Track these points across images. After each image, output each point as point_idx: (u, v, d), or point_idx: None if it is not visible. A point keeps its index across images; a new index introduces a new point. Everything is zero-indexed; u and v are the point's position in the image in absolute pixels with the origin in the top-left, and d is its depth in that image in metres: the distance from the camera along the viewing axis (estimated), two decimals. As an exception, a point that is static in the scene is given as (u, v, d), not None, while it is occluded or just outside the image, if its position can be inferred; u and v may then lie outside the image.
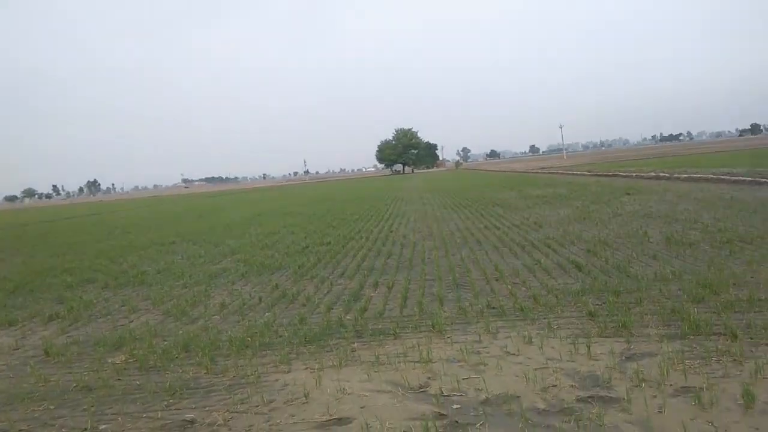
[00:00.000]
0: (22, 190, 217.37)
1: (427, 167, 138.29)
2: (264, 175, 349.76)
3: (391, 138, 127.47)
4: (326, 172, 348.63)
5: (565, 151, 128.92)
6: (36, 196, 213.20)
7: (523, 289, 6.69)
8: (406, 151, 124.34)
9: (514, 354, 4.57)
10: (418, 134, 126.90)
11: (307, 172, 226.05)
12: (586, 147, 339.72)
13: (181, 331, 6.20)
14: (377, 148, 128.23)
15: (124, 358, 5.41)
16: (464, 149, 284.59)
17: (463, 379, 4.14)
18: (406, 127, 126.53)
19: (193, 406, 4.15)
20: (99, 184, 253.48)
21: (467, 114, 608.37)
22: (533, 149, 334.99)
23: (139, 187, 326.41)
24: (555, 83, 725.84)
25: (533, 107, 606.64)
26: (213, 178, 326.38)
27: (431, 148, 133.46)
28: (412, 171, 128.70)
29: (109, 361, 5.39)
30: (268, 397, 4.14)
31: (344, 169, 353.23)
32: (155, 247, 14.60)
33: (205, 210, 34.44)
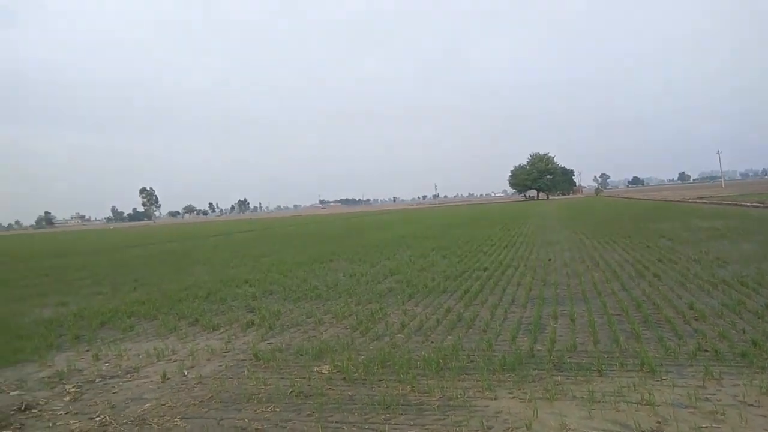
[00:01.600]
0: (184, 206, 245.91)
1: (563, 193, 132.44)
2: (394, 198, 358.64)
3: (525, 163, 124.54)
4: (455, 196, 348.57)
5: (723, 179, 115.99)
6: (195, 212, 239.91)
7: (733, 332, 6.05)
8: (540, 177, 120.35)
9: (753, 405, 4.13)
10: (554, 159, 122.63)
11: (436, 195, 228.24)
12: (745, 175, 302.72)
13: (371, 346, 6.48)
14: (510, 173, 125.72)
15: (328, 369, 5.77)
16: (603, 175, 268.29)
17: (703, 427, 3.81)
18: (542, 152, 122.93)
19: (411, 422, 4.28)
20: (248, 203, 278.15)
21: (607, 138, 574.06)
22: (683, 176, 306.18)
23: (281, 207, 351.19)
24: (708, 101, 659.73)
25: (682, 131, 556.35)
26: (347, 199, 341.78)
27: (567, 173, 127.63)
28: (547, 197, 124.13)
29: (315, 369, 5.78)
30: (486, 423, 4.14)
31: (473, 194, 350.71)
32: (317, 264, 15.52)
33: (349, 230, 36.06)
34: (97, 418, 4.87)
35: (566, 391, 4.67)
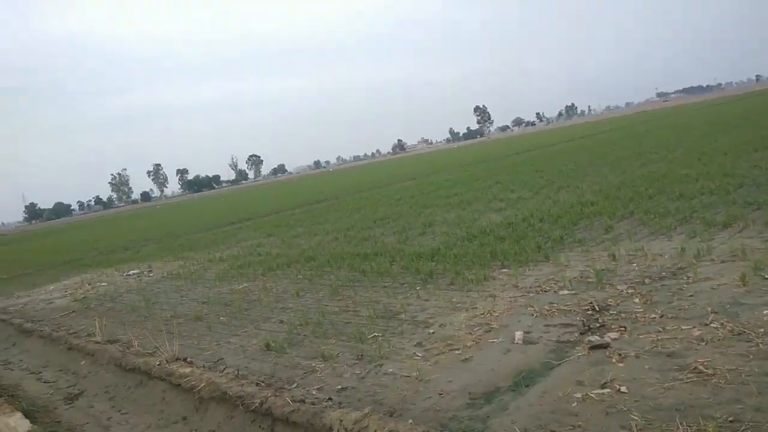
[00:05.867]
0: (512, 120, 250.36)
1: None
2: (757, 77, 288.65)
3: None
4: None
5: None
6: (523, 124, 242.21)
7: None
8: None
9: None
10: None
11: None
12: None
13: None
14: None
15: None
16: None
17: None
18: None
19: None
20: (576, 108, 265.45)
21: None
22: None
23: (611, 107, 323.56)
24: None
25: None
26: (693, 88, 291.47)
27: None
28: None
29: None
30: None
31: None
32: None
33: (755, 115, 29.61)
34: (713, 324, 4.06)
35: None
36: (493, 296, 5.89)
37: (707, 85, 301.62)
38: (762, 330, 3.76)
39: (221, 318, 7.30)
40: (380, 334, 5.35)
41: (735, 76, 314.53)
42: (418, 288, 6.77)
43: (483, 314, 5.38)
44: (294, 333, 5.95)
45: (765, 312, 4.05)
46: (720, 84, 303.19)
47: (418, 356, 4.69)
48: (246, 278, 9.62)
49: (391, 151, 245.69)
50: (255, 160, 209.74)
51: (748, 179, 9.44)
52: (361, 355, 4.95)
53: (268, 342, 5.71)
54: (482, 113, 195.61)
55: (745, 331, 3.81)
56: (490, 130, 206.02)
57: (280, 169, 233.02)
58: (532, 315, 5.14)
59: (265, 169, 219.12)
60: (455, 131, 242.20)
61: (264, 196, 45.05)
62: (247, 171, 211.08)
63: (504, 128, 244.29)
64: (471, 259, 7.50)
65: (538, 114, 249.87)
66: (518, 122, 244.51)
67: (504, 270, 6.87)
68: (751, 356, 3.47)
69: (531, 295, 5.74)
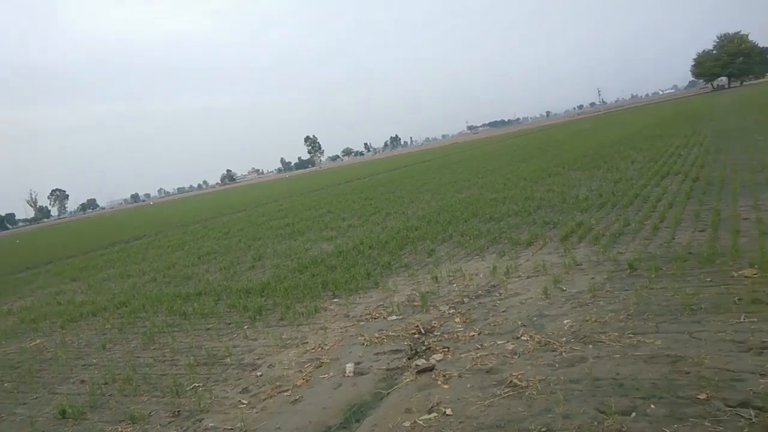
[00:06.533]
0: (342, 149, 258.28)
1: (756, 78, 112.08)
2: (547, 113, 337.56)
3: (711, 48, 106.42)
4: (615, 101, 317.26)
5: None
6: (352, 154, 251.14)
7: None
8: (732, 61, 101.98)
9: None
10: (749, 37, 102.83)
11: (595, 103, 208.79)
12: None
13: None
14: (693, 62, 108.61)
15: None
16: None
17: None
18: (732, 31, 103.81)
19: None
20: (399, 139, 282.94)
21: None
22: None
23: (429, 139, 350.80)
24: None
25: None
26: (496, 122, 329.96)
27: (765, 53, 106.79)
28: (741, 84, 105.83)
29: (736, 274, 4.72)
30: None
31: (636, 95, 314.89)
32: (556, 177, 14.35)
33: (542, 146, 34.01)
34: (524, 337, 4.37)
35: None
36: (324, 328, 5.72)
37: (508, 120, 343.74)
38: (564, 339, 4.12)
39: (5, 384, 6.06)
40: (201, 384, 4.84)
41: (530, 112, 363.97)
42: (245, 327, 6.34)
43: (314, 349, 5.18)
44: (97, 393, 5.13)
45: (566, 322, 4.47)
46: (519, 118, 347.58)
47: (243, 404, 4.30)
48: (40, 333, 8.21)
49: (220, 182, 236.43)
50: (59, 195, 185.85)
51: (545, 201, 10.70)
52: (178, 411, 4.40)
53: (63, 408, 4.82)
54: (313, 143, 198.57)
55: (550, 342, 4.14)
56: (321, 160, 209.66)
57: (91, 204, 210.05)
58: (363, 344, 5.07)
59: (72, 205, 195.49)
60: (287, 161, 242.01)
61: (70, 235, 39.91)
62: (50, 207, 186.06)
63: (335, 158, 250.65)
64: (302, 291, 7.30)
65: (366, 144, 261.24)
66: (348, 152, 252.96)
67: (335, 300, 6.78)
68: (557, 365, 3.76)
69: (362, 323, 5.70)
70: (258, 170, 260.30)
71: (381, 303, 6.25)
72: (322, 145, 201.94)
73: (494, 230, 8.87)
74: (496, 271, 6.47)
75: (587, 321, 4.39)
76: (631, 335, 3.95)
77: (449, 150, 70.53)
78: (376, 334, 5.23)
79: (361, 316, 5.95)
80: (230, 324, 6.58)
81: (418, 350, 4.66)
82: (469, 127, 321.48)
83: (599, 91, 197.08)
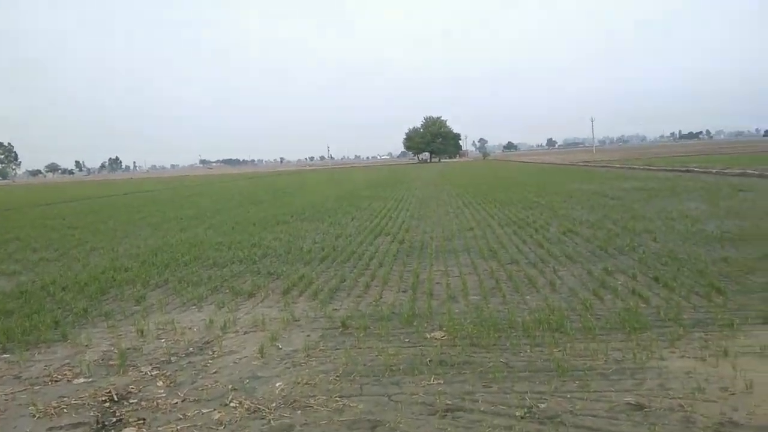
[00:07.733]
0: (46, 165, 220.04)
1: (450, 157, 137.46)
2: (281, 158, 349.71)
3: (419, 126, 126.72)
4: (342, 158, 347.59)
5: (594, 146, 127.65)
6: (59, 171, 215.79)
7: None
8: (433, 140, 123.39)
9: None
10: (447, 123, 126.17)
11: (324, 157, 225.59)
12: (602, 142, 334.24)
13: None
14: (405, 136, 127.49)
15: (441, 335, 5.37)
16: (481, 140, 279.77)
17: None
18: (435, 115, 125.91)
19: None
20: (120, 162, 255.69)
21: (482, 105, 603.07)
22: (550, 143, 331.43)
23: (156, 167, 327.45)
24: (569, 76, 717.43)
25: (554, 98, 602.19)
26: (231, 160, 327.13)
27: (456, 137, 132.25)
28: (439, 160, 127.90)
29: (429, 336, 5.35)
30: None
31: (359, 156, 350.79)
32: (277, 226, 14.64)
33: (275, 191, 34.52)
34: (233, 404, 4.10)
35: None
36: (-22, 396, 4.46)
37: (243, 159, 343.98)
38: (274, 405, 3.99)
39: None
40: None
41: (266, 155, 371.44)
42: None
43: (-45, 427, 3.96)
44: None
45: (278, 384, 4.36)
46: (254, 160, 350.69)
47: None
48: None
49: None
50: None
51: (271, 250, 10.71)
52: None
53: None
54: (7, 152, 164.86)
55: (259, 408, 3.95)
56: (16, 173, 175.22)
57: None
58: (34, 416, 4.10)
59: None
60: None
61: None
62: None
63: (35, 173, 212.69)
64: (-49, 344, 5.65)
65: (78, 162, 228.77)
66: (54, 168, 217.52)
67: (5, 356, 5.45)
68: (265, 435, 3.58)
69: (37, 387, 4.64)
70: None
71: (67, 361, 5.23)
72: (19, 155, 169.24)
73: (216, 277, 8.44)
74: (212, 324, 6.07)
75: (298, 383, 4.36)
76: (337, 398, 4.04)
77: (178, 182, 66.68)
78: (54, 403, 4.30)
79: (37, 377, 4.87)
80: None
81: (106, 423, 3.96)
82: (202, 161, 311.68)
83: (328, 147, 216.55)
